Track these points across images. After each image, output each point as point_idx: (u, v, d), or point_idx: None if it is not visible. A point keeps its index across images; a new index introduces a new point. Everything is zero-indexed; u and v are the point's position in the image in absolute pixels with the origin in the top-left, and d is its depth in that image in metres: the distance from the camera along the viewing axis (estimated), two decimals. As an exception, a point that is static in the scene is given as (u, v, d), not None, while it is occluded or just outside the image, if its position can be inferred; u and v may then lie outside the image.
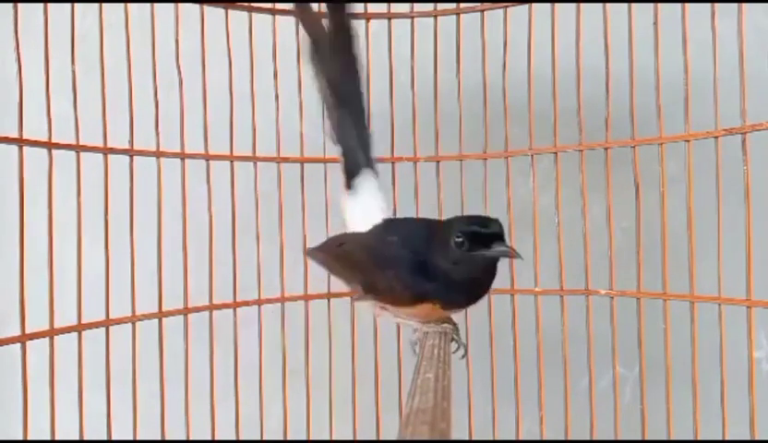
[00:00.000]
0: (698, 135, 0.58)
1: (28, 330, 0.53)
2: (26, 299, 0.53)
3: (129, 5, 0.62)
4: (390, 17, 0.71)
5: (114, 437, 0.60)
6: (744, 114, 0.56)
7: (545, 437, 0.66)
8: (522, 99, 0.67)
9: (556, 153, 0.66)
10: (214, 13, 0.66)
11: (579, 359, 0.65)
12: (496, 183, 0.68)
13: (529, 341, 0.67)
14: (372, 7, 0.71)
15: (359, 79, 0.60)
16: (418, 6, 0.71)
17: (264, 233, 0.68)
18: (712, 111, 0.58)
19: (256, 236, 0.68)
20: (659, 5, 0.61)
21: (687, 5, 0.59)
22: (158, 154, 0.63)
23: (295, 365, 0.68)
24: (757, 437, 0.56)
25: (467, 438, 0.69)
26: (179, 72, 0.64)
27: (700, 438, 0.60)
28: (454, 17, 0.70)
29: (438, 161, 0.70)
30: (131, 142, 0.62)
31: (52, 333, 0.56)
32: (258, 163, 0.68)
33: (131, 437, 0.61)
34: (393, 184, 0.69)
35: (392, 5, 0.71)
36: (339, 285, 0.64)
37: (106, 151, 0.60)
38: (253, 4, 0.68)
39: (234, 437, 0.66)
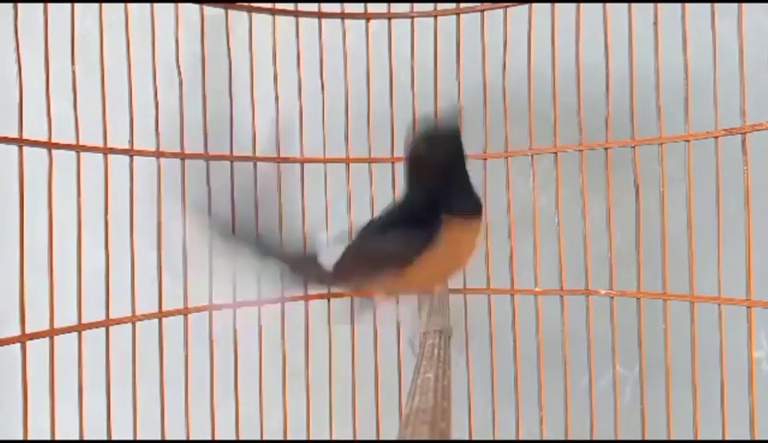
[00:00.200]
0: (698, 135, 0.58)
1: (28, 330, 0.53)
2: (26, 299, 0.53)
3: (129, 5, 0.62)
4: (389, 17, 0.71)
5: (114, 437, 0.60)
6: (744, 114, 0.56)
7: (545, 437, 0.66)
8: (522, 99, 0.67)
9: (556, 153, 0.66)
10: (214, 13, 0.66)
11: (579, 359, 0.65)
12: (496, 183, 0.68)
13: (529, 341, 0.67)
14: (372, 7, 0.71)
15: None
16: (418, 6, 0.71)
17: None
18: (712, 111, 0.58)
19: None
20: (659, 5, 0.61)
21: (687, 5, 0.59)
22: (158, 154, 0.63)
23: (295, 366, 0.68)
24: (757, 437, 0.56)
25: (467, 438, 0.69)
26: (179, 72, 0.64)
27: (700, 438, 0.60)
28: (454, 17, 0.70)
29: (438, 161, 0.70)
30: (131, 142, 0.62)
31: (52, 333, 0.56)
32: (258, 163, 0.68)
33: (131, 437, 0.61)
34: (393, 184, 0.69)
35: (392, 5, 0.71)
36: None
37: (106, 151, 0.60)
38: (253, 4, 0.68)
39: (233, 438, 0.66)
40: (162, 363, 0.62)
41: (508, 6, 0.67)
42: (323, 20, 0.70)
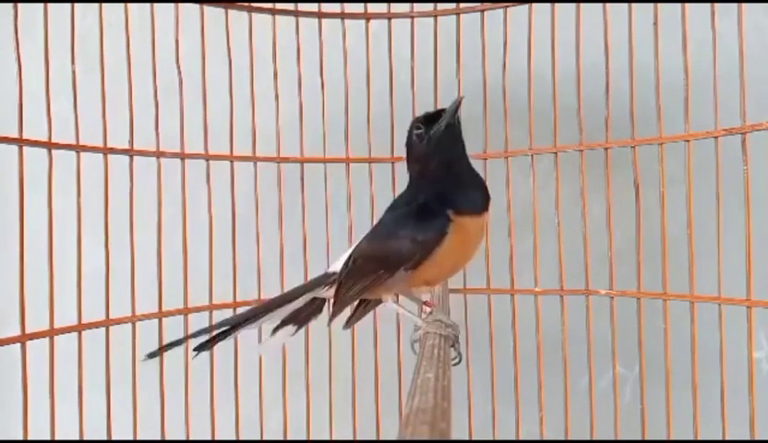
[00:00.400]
0: (698, 135, 0.58)
1: (28, 330, 0.53)
2: (26, 299, 0.53)
3: (129, 5, 0.62)
4: (389, 17, 0.71)
5: (114, 437, 0.60)
6: (744, 114, 0.56)
7: (545, 437, 0.66)
8: (522, 99, 0.67)
9: (556, 153, 0.66)
10: (214, 13, 0.66)
11: (579, 359, 0.65)
12: (496, 183, 0.68)
13: (529, 341, 0.67)
14: (372, 7, 0.71)
15: None
16: (418, 6, 0.71)
17: (264, 233, 0.68)
18: (712, 111, 0.58)
19: (256, 236, 0.68)
20: (659, 5, 0.61)
21: (687, 5, 0.59)
22: (158, 154, 0.63)
23: (295, 366, 0.68)
24: (757, 437, 0.56)
25: (467, 438, 0.69)
26: (179, 72, 0.64)
27: (700, 438, 0.60)
28: (454, 17, 0.70)
29: (438, 161, 0.70)
30: (131, 142, 0.62)
31: (52, 333, 0.56)
32: (258, 163, 0.68)
33: (131, 437, 0.61)
34: (393, 184, 0.69)
35: (392, 5, 0.71)
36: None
37: (106, 151, 0.60)
38: (253, 4, 0.68)
39: (233, 438, 0.66)
40: (161, 363, 0.62)
41: (508, 6, 0.67)
42: (323, 20, 0.70)
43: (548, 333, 0.66)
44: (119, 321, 0.61)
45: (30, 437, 0.54)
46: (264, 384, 0.67)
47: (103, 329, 0.60)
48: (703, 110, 0.59)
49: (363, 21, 0.71)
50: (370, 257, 0.53)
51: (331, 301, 0.56)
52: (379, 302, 0.57)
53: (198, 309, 0.65)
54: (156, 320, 0.63)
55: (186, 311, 0.65)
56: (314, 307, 0.59)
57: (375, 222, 0.58)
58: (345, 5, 0.70)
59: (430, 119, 0.52)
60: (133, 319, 0.61)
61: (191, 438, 0.64)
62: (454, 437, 0.29)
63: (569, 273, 0.66)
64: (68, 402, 0.56)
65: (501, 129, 0.68)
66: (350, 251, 0.55)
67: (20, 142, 0.54)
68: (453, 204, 0.50)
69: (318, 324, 0.69)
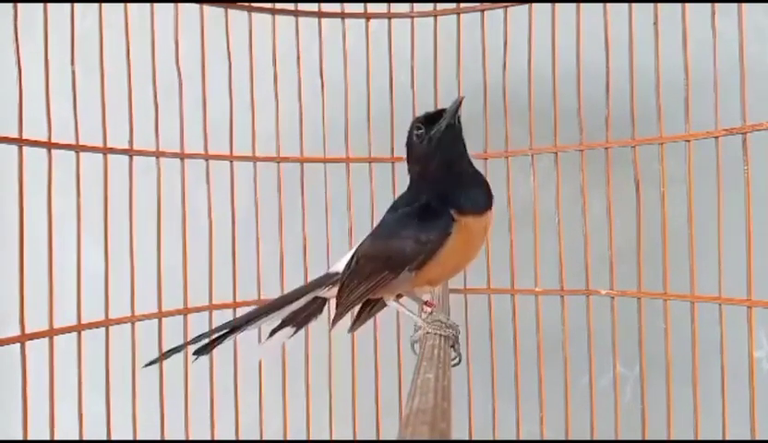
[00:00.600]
0: (698, 135, 0.58)
1: (28, 330, 0.53)
2: (26, 299, 0.53)
3: (129, 5, 0.62)
4: (389, 16, 0.71)
5: (113, 437, 0.60)
6: (744, 114, 0.56)
7: (545, 437, 0.66)
8: (523, 99, 0.67)
9: (556, 153, 0.66)
10: (214, 13, 0.66)
11: (579, 358, 0.65)
12: (496, 182, 0.68)
13: (529, 340, 0.67)
14: (372, 7, 0.71)
15: None
16: (418, 6, 0.71)
17: (264, 233, 0.68)
18: (712, 111, 0.58)
19: (255, 236, 0.68)
20: (659, 5, 0.61)
21: (687, 5, 0.59)
22: (158, 154, 0.63)
23: (295, 366, 0.68)
24: (757, 437, 0.56)
25: (467, 438, 0.69)
26: (179, 72, 0.64)
27: (700, 438, 0.60)
28: (454, 17, 0.70)
29: (438, 161, 0.70)
30: (131, 142, 0.62)
31: (51, 333, 0.56)
32: (258, 163, 0.68)
33: (131, 438, 0.61)
34: (393, 184, 0.69)
35: (392, 5, 0.71)
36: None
37: (106, 151, 0.60)
38: (253, 4, 0.68)
39: (233, 438, 0.66)
40: (161, 363, 0.62)
41: (508, 6, 0.67)
42: (323, 20, 0.70)
43: (548, 333, 0.66)
44: (119, 321, 0.61)
45: (29, 437, 0.54)
46: (264, 384, 0.67)
47: (103, 330, 0.60)
48: (704, 110, 0.59)
49: (363, 21, 0.71)
50: (374, 257, 0.53)
51: (332, 302, 0.56)
52: (384, 306, 0.57)
53: (197, 309, 0.65)
54: (156, 320, 0.63)
55: (185, 311, 0.65)
56: (314, 308, 0.59)
57: (375, 223, 0.58)
58: (345, 5, 0.70)
59: (431, 119, 0.51)
60: (132, 319, 0.61)
61: (191, 438, 0.64)
62: (454, 437, 0.29)
63: (569, 273, 0.66)
64: (68, 402, 0.56)
65: (501, 129, 0.68)
66: (352, 251, 0.55)
67: (20, 142, 0.54)
68: (456, 204, 0.49)
69: (317, 324, 0.69)
